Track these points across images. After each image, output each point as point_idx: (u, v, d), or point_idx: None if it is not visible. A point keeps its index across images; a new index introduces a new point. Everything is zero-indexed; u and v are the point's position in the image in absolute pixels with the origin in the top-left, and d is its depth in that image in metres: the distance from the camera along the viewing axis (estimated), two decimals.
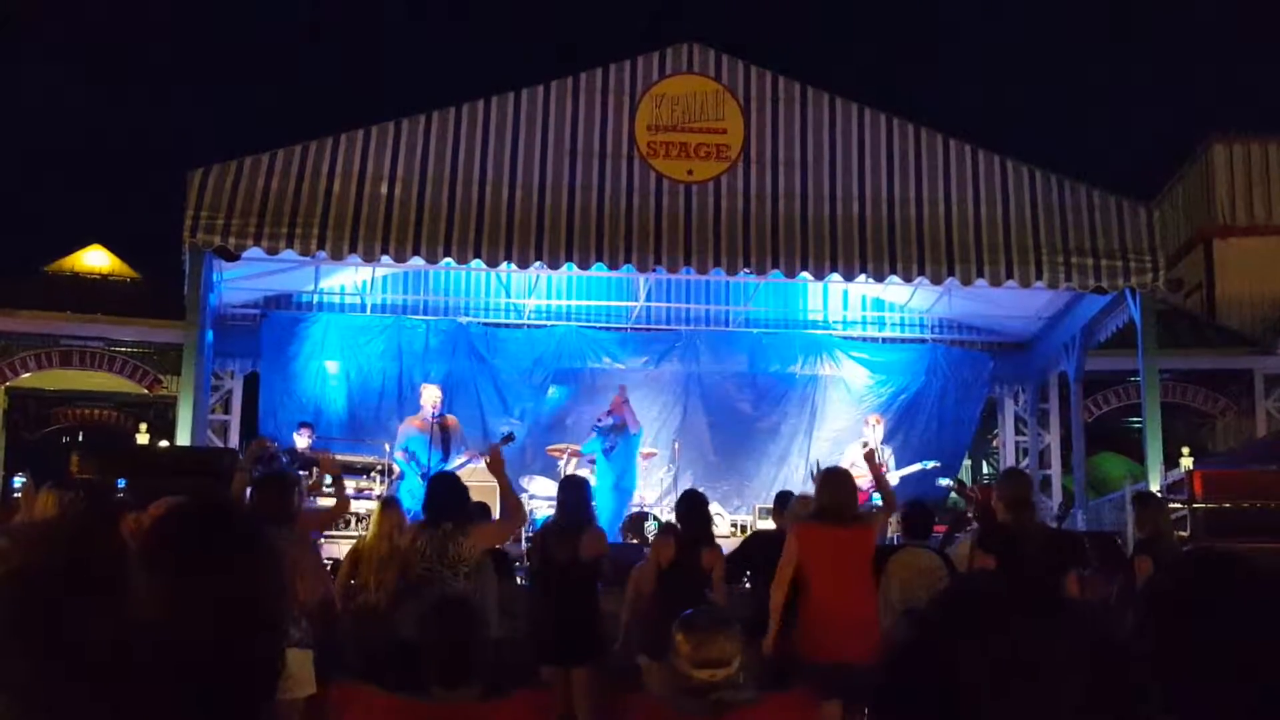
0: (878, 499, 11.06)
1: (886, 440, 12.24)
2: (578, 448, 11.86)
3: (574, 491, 7.22)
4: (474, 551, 6.15)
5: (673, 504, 11.88)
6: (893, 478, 11.78)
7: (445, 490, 6.45)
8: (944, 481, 12.28)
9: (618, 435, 11.43)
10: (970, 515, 11.23)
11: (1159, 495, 8.76)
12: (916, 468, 12.14)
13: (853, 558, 6.06)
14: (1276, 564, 1.52)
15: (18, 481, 14.07)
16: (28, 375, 14.87)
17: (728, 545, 10.61)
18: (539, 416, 13.47)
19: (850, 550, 6.09)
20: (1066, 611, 1.09)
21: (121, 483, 8.12)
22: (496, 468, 6.48)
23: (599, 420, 11.70)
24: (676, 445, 12.87)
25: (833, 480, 6.40)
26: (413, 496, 10.51)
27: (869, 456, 7.62)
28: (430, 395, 11.08)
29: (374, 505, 8.30)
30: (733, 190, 10.85)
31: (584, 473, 10.55)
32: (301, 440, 11.68)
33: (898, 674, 1.09)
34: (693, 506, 7.38)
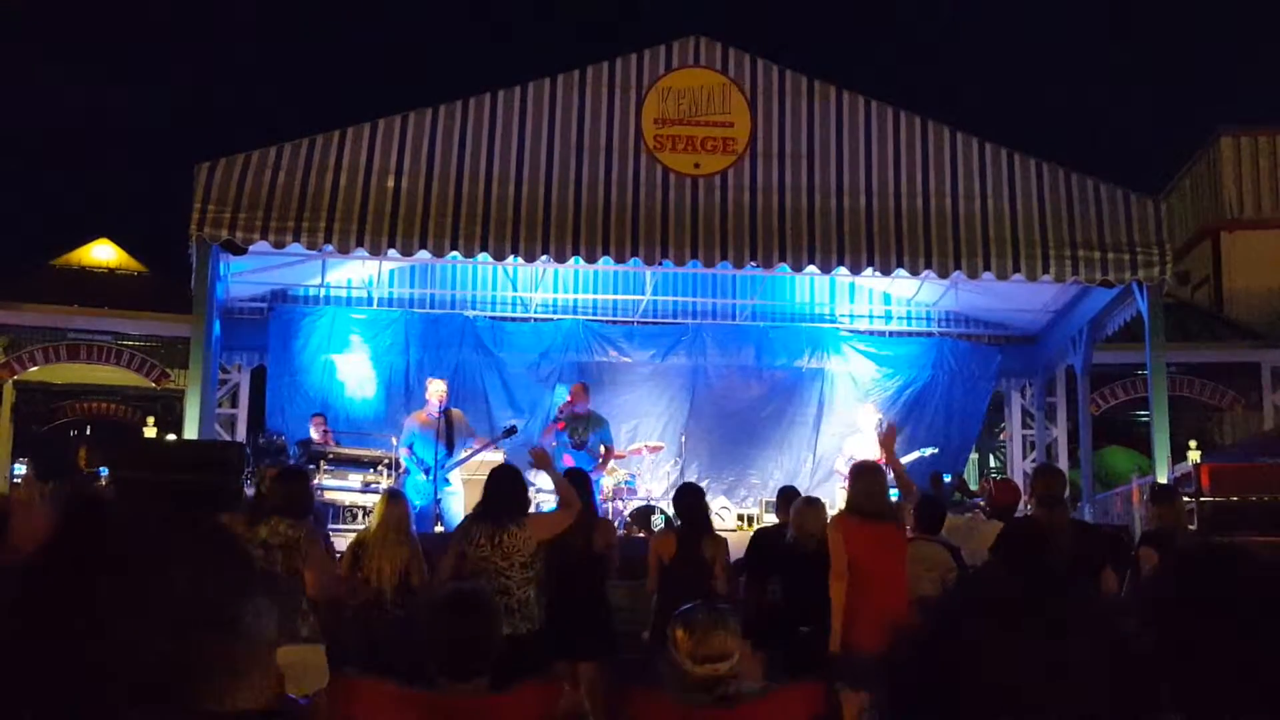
0: (894, 494, 11.10)
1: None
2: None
3: (580, 484, 7.24)
4: (529, 543, 6.18)
5: None
6: None
7: (503, 483, 6.50)
8: (946, 478, 12.28)
9: (586, 430, 11.36)
10: (983, 505, 11.22)
11: (1177, 490, 8.70)
12: (914, 455, 12.14)
13: (889, 551, 6.11)
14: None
15: (19, 469, 14.15)
16: (36, 369, 14.93)
17: (735, 540, 10.68)
18: (546, 410, 13.48)
19: (886, 544, 6.14)
20: (1086, 611, 1.08)
21: (103, 471, 8.16)
22: (544, 463, 6.76)
23: (560, 411, 11.63)
24: (683, 438, 12.89)
25: (865, 476, 6.44)
26: (418, 493, 10.55)
27: (887, 444, 7.55)
28: (435, 390, 11.08)
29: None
30: (739, 184, 10.84)
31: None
32: (315, 431, 11.70)
33: (907, 666, 1.08)
34: (690, 499, 7.41)
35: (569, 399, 11.60)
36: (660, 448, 12.45)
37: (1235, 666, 1.34)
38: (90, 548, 1.07)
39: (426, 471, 10.61)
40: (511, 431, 11.05)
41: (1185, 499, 9.26)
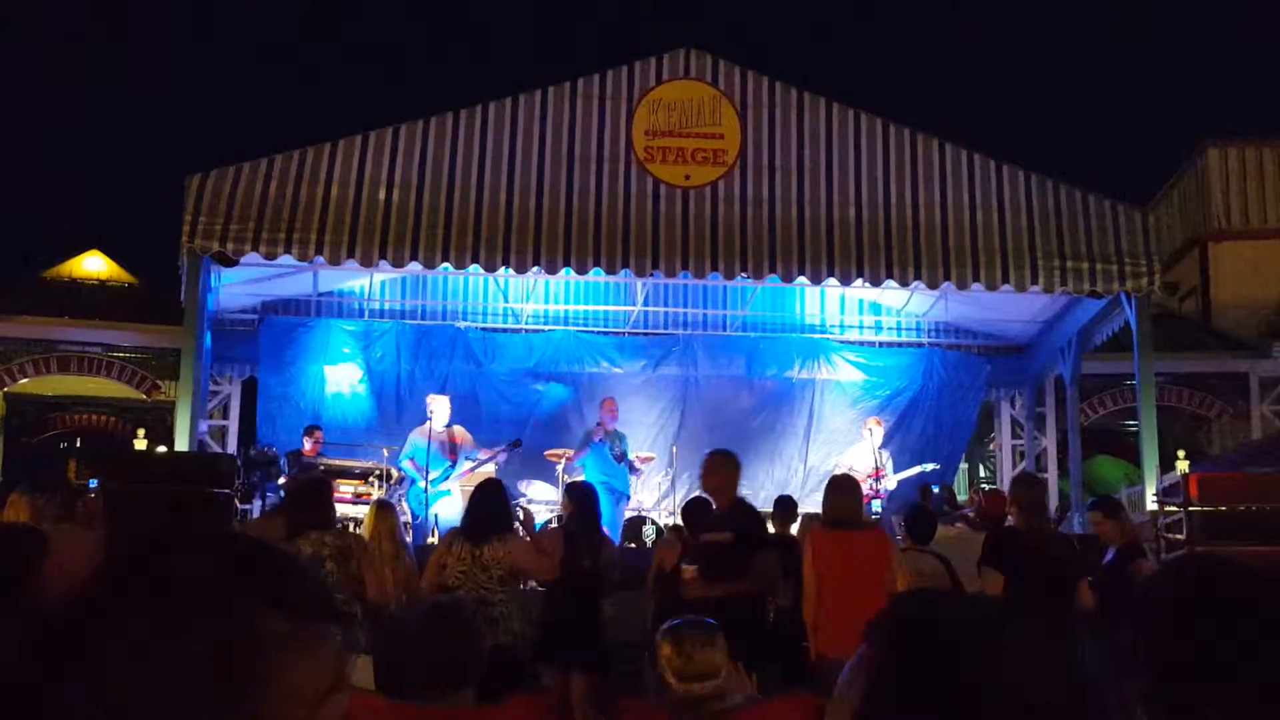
0: (878, 505, 11.15)
1: (884, 444, 12.27)
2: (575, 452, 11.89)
3: (587, 498, 7.26)
4: (508, 558, 6.20)
5: (670, 508, 11.97)
6: (891, 481, 11.85)
7: (485, 499, 6.55)
8: (934, 489, 12.33)
9: (621, 443, 11.61)
10: (973, 516, 11.24)
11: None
12: (916, 470, 12.19)
13: (866, 561, 6.10)
14: (1272, 565, 1.53)
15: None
16: (26, 381, 14.88)
17: None
18: (537, 421, 13.47)
19: (862, 554, 6.13)
20: (1066, 636, 1.09)
21: (93, 483, 8.15)
22: (528, 525, 7.14)
23: (600, 426, 11.72)
24: (674, 449, 12.88)
25: (839, 487, 6.47)
26: (421, 503, 10.67)
27: None
28: (441, 406, 11.21)
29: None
30: (730, 195, 10.88)
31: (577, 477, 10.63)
32: (307, 444, 11.68)
33: (878, 687, 1.08)
34: (696, 512, 7.44)
35: (606, 412, 11.74)
36: (651, 459, 12.46)
37: (1236, 676, 1.35)
38: (129, 593, 0.90)
39: (429, 483, 10.77)
40: (516, 445, 11.20)
41: (1175, 509, 9.30)
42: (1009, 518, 7.54)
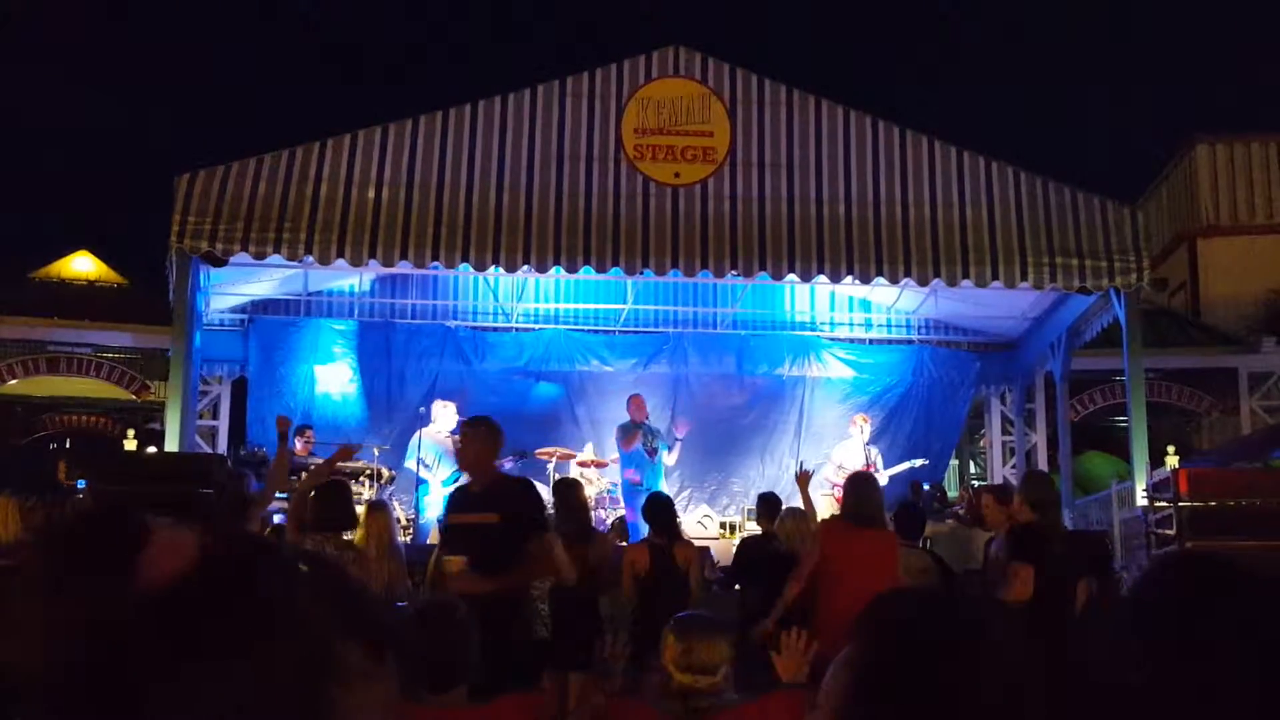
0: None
1: (873, 441, 12.30)
2: (567, 451, 11.89)
3: (575, 495, 7.23)
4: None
5: None
6: (882, 477, 11.87)
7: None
8: (925, 486, 12.38)
9: (654, 439, 11.70)
10: (963, 514, 11.26)
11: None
12: (905, 466, 12.22)
13: (877, 559, 6.10)
14: (1263, 563, 1.53)
15: None
16: (15, 382, 14.84)
17: (719, 547, 10.72)
18: (528, 420, 13.45)
19: (874, 552, 6.13)
20: (1070, 634, 1.09)
21: (81, 483, 8.10)
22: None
23: (635, 425, 11.75)
24: None
25: (860, 484, 6.47)
26: (429, 505, 10.70)
27: (801, 483, 7.68)
28: (446, 412, 11.24)
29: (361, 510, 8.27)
30: (719, 193, 10.87)
31: (574, 475, 10.63)
32: (297, 444, 11.64)
33: (862, 683, 1.08)
34: (658, 509, 7.40)
35: (637, 410, 11.75)
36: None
37: (1235, 675, 1.34)
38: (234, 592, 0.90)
39: (439, 484, 10.86)
40: (522, 455, 11.24)
41: (1164, 504, 9.33)
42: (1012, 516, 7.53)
